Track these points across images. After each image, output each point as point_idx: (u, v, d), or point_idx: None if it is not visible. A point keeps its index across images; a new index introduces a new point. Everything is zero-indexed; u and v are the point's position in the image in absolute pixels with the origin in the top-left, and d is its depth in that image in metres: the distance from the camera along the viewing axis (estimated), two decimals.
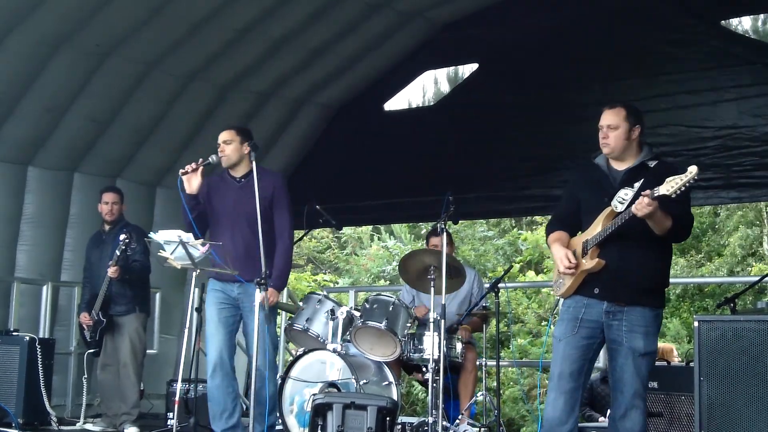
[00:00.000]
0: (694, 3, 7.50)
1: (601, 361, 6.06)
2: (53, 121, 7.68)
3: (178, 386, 5.75)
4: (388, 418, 4.84)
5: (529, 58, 8.17)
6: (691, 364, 4.80)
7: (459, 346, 6.12)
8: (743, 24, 7.90)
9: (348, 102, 9.18)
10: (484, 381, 6.17)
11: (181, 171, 5.19)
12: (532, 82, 8.14)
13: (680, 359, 7.45)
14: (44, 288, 7.86)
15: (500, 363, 6.17)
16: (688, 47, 7.50)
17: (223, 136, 5.36)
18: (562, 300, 4.40)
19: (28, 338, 6.77)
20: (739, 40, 7.53)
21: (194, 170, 5.17)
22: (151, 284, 7.12)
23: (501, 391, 5.93)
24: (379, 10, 8.06)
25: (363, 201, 8.94)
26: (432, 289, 5.73)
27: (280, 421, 5.87)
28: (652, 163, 4.24)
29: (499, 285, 6.03)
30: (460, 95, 8.81)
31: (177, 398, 5.60)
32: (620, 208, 4.05)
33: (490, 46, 8.46)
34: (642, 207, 3.91)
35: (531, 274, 14.67)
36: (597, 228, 4.18)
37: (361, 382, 5.65)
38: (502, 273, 6.75)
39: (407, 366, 6.33)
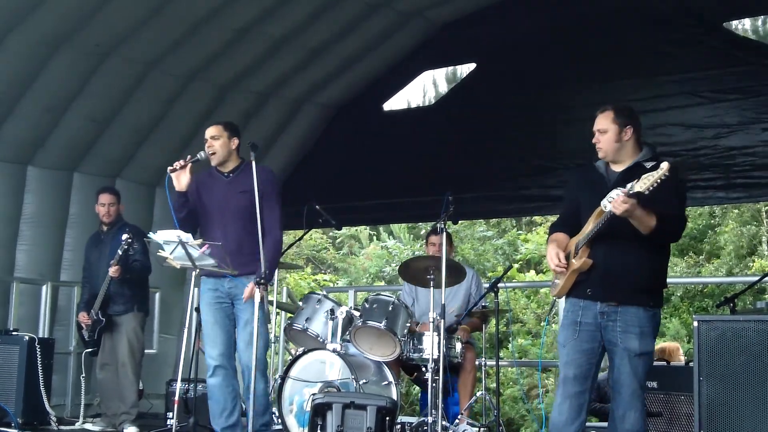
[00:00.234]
0: (695, 4, 7.50)
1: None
2: (53, 120, 7.68)
3: (178, 386, 5.75)
4: (387, 418, 4.84)
5: (528, 58, 8.18)
6: (691, 364, 4.80)
7: (458, 346, 6.12)
8: (744, 25, 7.91)
9: (347, 102, 9.18)
10: (483, 381, 6.17)
11: (169, 168, 5.17)
12: (532, 82, 8.14)
13: (687, 358, 7.44)
14: (44, 288, 7.86)
15: (500, 363, 6.16)
16: (688, 48, 7.50)
17: (211, 131, 5.35)
18: (558, 301, 4.41)
19: (27, 338, 6.77)
20: (739, 41, 7.52)
21: (183, 167, 5.16)
22: (150, 284, 7.12)
23: (500, 391, 5.92)
24: (379, 10, 8.06)
25: (363, 201, 8.94)
26: (431, 284, 5.73)
27: (279, 421, 5.88)
28: (650, 164, 4.21)
29: (499, 285, 6.03)
30: (460, 95, 8.81)
31: (176, 398, 5.59)
32: (609, 207, 4.05)
33: (489, 46, 8.46)
34: (618, 204, 3.92)
35: (530, 274, 14.68)
36: (588, 228, 4.19)
37: (361, 382, 5.65)
38: (502, 273, 6.75)
39: (407, 366, 6.33)
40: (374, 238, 17.42)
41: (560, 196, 6.68)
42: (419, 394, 7.56)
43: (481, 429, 6.02)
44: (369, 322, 5.90)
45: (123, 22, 7.12)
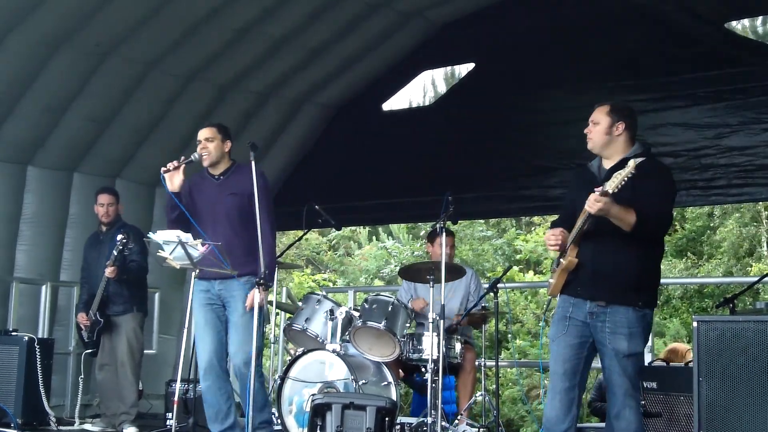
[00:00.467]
0: (696, 4, 7.49)
1: None
2: (53, 120, 7.68)
3: (177, 386, 5.75)
4: (387, 419, 4.84)
5: (528, 57, 8.17)
6: (690, 365, 4.80)
7: (458, 346, 6.12)
8: (745, 25, 7.90)
9: (347, 102, 9.18)
10: (483, 381, 6.17)
11: (162, 169, 5.18)
12: (532, 82, 8.14)
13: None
14: (43, 288, 7.86)
15: (499, 363, 6.16)
16: (689, 48, 7.49)
17: (205, 133, 5.36)
18: (554, 300, 4.42)
19: (27, 338, 6.78)
20: (740, 42, 7.52)
21: (176, 168, 5.17)
22: (150, 284, 7.13)
23: (500, 392, 5.92)
24: (379, 10, 8.06)
25: (363, 201, 8.94)
26: (431, 282, 5.74)
27: (279, 421, 5.87)
28: (638, 161, 4.21)
29: (498, 285, 6.03)
30: (459, 95, 8.81)
31: (176, 398, 5.59)
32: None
33: (489, 46, 8.46)
34: (591, 203, 3.96)
35: (530, 275, 14.67)
36: (577, 225, 4.21)
37: (360, 383, 5.65)
38: (501, 273, 6.76)
39: (407, 366, 6.33)
40: (373, 237, 17.42)
41: (560, 196, 6.68)
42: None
43: (481, 429, 6.02)
44: (368, 322, 5.90)
45: (123, 22, 7.12)
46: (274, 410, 5.96)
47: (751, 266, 13.60)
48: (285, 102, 8.85)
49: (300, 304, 6.51)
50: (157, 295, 8.33)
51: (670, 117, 7.53)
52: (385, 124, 9.09)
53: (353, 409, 4.80)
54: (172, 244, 4.97)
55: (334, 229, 13.16)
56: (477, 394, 6.23)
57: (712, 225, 14.86)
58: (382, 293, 6.42)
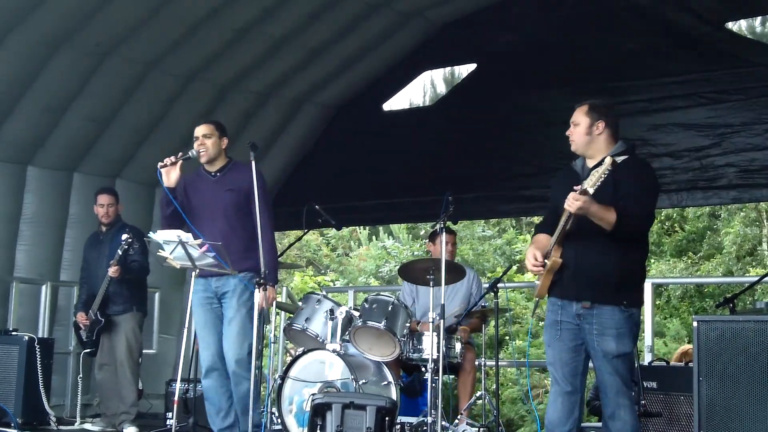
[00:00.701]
0: (697, 4, 7.49)
1: None
2: (53, 120, 7.68)
3: (177, 386, 5.76)
4: (387, 418, 4.84)
5: (528, 58, 8.17)
6: (690, 365, 4.80)
7: (458, 346, 6.12)
8: (746, 25, 7.89)
9: (347, 102, 9.18)
10: (483, 381, 6.17)
11: (159, 164, 5.18)
12: (532, 82, 8.13)
13: (688, 358, 7.43)
14: (43, 288, 7.86)
15: (499, 363, 6.16)
16: (690, 48, 7.49)
17: (203, 130, 5.36)
18: (541, 301, 4.42)
19: (27, 338, 6.78)
20: (741, 42, 7.52)
21: (173, 163, 5.17)
22: (150, 284, 7.13)
23: (500, 392, 5.92)
24: (379, 10, 8.06)
25: (363, 201, 8.93)
26: (431, 283, 5.74)
27: (279, 421, 5.87)
28: (620, 159, 4.22)
29: (498, 285, 6.03)
30: (460, 95, 8.80)
31: (176, 398, 5.60)
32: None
33: (491, 46, 8.45)
34: (571, 203, 3.94)
35: (529, 275, 14.64)
36: (559, 225, 4.19)
37: (360, 382, 5.65)
38: (501, 273, 6.75)
39: (407, 366, 6.33)
40: (373, 237, 17.43)
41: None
42: None
43: (481, 429, 6.02)
44: (369, 322, 5.90)
45: (123, 22, 7.11)
46: (274, 410, 5.96)
47: (753, 267, 13.60)
48: (285, 102, 8.85)
49: (300, 303, 6.51)
50: (157, 295, 8.33)
51: (671, 117, 7.53)
52: (385, 124, 9.08)
53: (353, 408, 4.80)
54: (173, 244, 4.97)
55: (333, 229, 13.15)
56: (477, 394, 6.23)
57: (714, 226, 14.85)
58: (382, 293, 6.41)
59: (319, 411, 4.85)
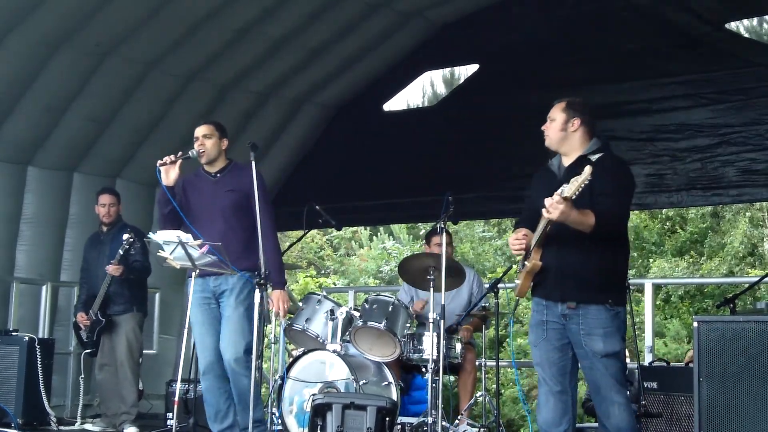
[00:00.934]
0: (697, 4, 7.49)
1: None
2: (53, 121, 7.68)
3: (178, 386, 5.76)
4: (387, 419, 4.84)
5: (529, 58, 8.16)
6: (691, 365, 4.79)
7: (458, 346, 6.12)
8: (747, 26, 7.89)
9: (347, 102, 9.18)
10: (483, 381, 6.17)
11: (159, 162, 5.15)
12: (533, 83, 8.12)
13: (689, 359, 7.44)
14: (43, 288, 7.86)
15: (499, 363, 6.16)
16: (690, 49, 7.49)
17: (203, 130, 5.36)
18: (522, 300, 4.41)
19: (27, 338, 6.78)
20: (742, 42, 7.52)
21: (173, 162, 5.16)
22: (150, 284, 7.13)
23: (500, 392, 5.92)
24: (379, 10, 8.06)
25: (363, 201, 8.93)
26: (431, 287, 5.73)
27: (279, 421, 5.87)
28: (595, 157, 4.20)
29: (499, 285, 6.02)
30: (460, 96, 8.80)
31: (176, 398, 5.60)
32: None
33: (491, 46, 8.45)
34: (550, 209, 3.88)
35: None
36: (539, 228, 4.16)
37: (361, 383, 5.65)
38: (502, 273, 6.75)
39: (407, 366, 6.33)
40: (373, 237, 17.44)
41: None
42: None
43: (481, 429, 6.02)
44: (369, 322, 5.90)
45: (123, 22, 7.11)
46: (274, 410, 5.96)
47: (754, 267, 13.60)
48: (285, 102, 8.85)
49: (300, 304, 6.51)
50: (157, 295, 8.33)
51: (671, 117, 7.53)
52: (385, 124, 9.08)
53: (354, 409, 4.80)
54: (173, 245, 4.97)
55: (334, 230, 13.14)
56: (477, 394, 6.23)
57: (714, 226, 14.85)
58: (382, 293, 6.41)
59: (319, 411, 4.85)
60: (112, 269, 6.48)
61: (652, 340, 7.12)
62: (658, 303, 13.47)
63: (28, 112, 7.46)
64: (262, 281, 4.95)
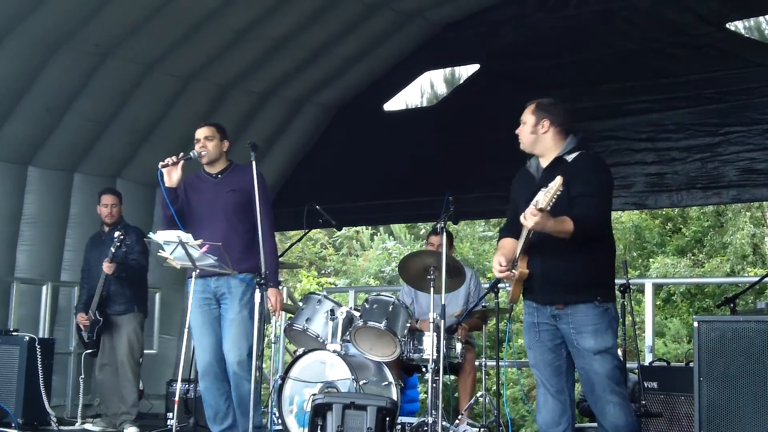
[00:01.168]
0: (698, 5, 7.49)
1: None
2: (53, 121, 7.68)
3: (178, 386, 5.75)
4: (387, 419, 4.83)
5: (529, 58, 8.16)
6: (691, 365, 4.79)
7: (458, 346, 6.11)
8: (747, 26, 7.89)
9: (348, 102, 9.18)
10: (483, 381, 6.17)
11: (161, 164, 5.14)
12: (533, 83, 8.12)
13: (688, 359, 7.43)
14: (44, 288, 7.87)
15: (500, 363, 6.16)
16: (691, 49, 7.49)
17: (204, 131, 5.35)
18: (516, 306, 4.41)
19: (27, 338, 6.77)
20: (743, 42, 7.51)
21: (175, 163, 5.15)
22: (150, 284, 7.13)
23: (500, 392, 5.92)
24: (379, 11, 8.06)
25: (363, 201, 8.93)
26: (432, 288, 5.73)
27: (279, 421, 5.87)
28: (571, 157, 4.18)
29: (499, 285, 6.02)
30: (460, 96, 8.80)
31: (176, 398, 5.59)
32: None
33: (491, 46, 8.45)
34: (526, 219, 3.84)
35: None
36: (522, 236, 4.13)
37: (361, 383, 5.65)
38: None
39: (407, 366, 6.33)
40: (374, 237, 17.44)
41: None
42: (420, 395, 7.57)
43: (481, 429, 6.01)
44: (369, 322, 5.89)
45: (123, 22, 7.12)
46: (274, 410, 5.96)
47: (755, 266, 13.60)
48: (285, 102, 8.85)
49: (300, 304, 6.51)
50: (157, 296, 8.34)
51: (673, 118, 7.53)
52: (385, 125, 9.08)
53: (354, 408, 4.79)
54: (173, 244, 4.97)
55: (337, 230, 13.14)
56: (477, 394, 6.22)
57: (716, 224, 14.84)
58: (382, 293, 6.40)
59: (319, 411, 4.85)
60: (106, 267, 6.49)
61: (653, 339, 7.12)
62: (658, 303, 13.46)
63: (28, 112, 7.46)
64: (262, 281, 4.95)
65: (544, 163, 4.28)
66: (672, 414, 5.52)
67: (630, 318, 5.80)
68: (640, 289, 8.43)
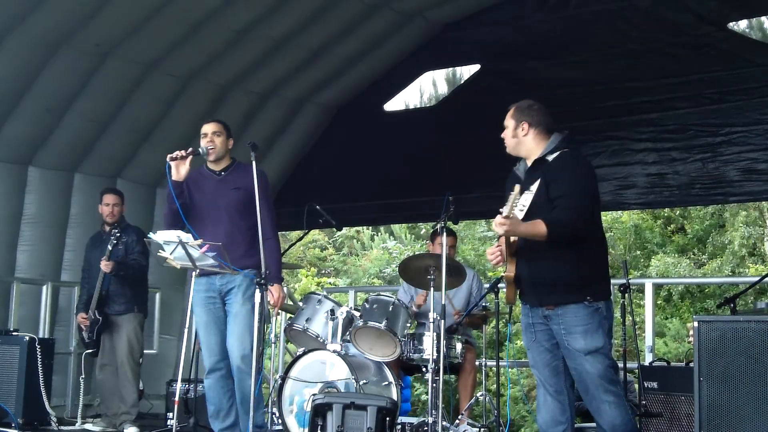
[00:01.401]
0: (699, 5, 7.49)
1: None
2: (53, 121, 7.68)
3: (178, 386, 5.76)
4: (387, 418, 4.83)
5: (529, 58, 8.16)
6: (691, 365, 4.79)
7: (459, 346, 6.12)
8: (747, 26, 7.89)
9: (348, 102, 9.18)
10: (483, 382, 6.17)
11: (169, 156, 5.11)
12: (534, 83, 8.12)
13: (688, 358, 7.43)
14: (44, 288, 7.86)
15: (500, 363, 6.16)
16: (692, 49, 7.48)
17: (212, 127, 5.34)
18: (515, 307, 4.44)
19: (27, 338, 6.78)
20: (743, 42, 7.51)
21: (184, 157, 5.13)
22: (150, 284, 7.13)
23: (500, 392, 5.92)
24: (379, 11, 8.06)
25: (363, 201, 8.93)
26: (432, 287, 5.73)
27: (279, 421, 5.87)
28: (551, 157, 4.20)
29: (499, 285, 6.02)
30: (461, 95, 8.80)
31: (177, 398, 5.60)
32: (520, 216, 3.99)
33: (492, 46, 8.45)
34: (498, 227, 3.90)
35: None
36: (501, 241, 4.15)
37: (361, 383, 5.65)
38: (502, 273, 6.73)
39: (406, 366, 6.33)
40: (374, 237, 17.44)
41: None
42: (421, 396, 7.57)
43: (482, 429, 6.01)
44: (369, 322, 5.90)
45: (123, 22, 7.12)
46: (274, 410, 5.96)
47: (756, 266, 13.59)
48: (285, 102, 8.85)
49: (301, 304, 6.51)
50: (157, 295, 8.34)
51: (674, 118, 7.53)
52: (385, 124, 9.08)
53: (354, 408, 4.79)
54: (173, 245, 4.97)
55: (337, 230, 13.14)
56: (478, 394, 6.22)
57: (717, 224, 14.84)
58: (382, 293, 6.41)
59: (319, 411, 4.85)
60: (104, 265, 6.49)
61: (653, 339, 7.12)
62: (659, 303, 13.46)
63: (28, 112, 7.46)
64: (262, 281, 4.94)
65: (529, 164, 4.32)
66: (672, 414, 5.52)
67: (630, 318, 5.80)
68: (640, 289, 8.43)
